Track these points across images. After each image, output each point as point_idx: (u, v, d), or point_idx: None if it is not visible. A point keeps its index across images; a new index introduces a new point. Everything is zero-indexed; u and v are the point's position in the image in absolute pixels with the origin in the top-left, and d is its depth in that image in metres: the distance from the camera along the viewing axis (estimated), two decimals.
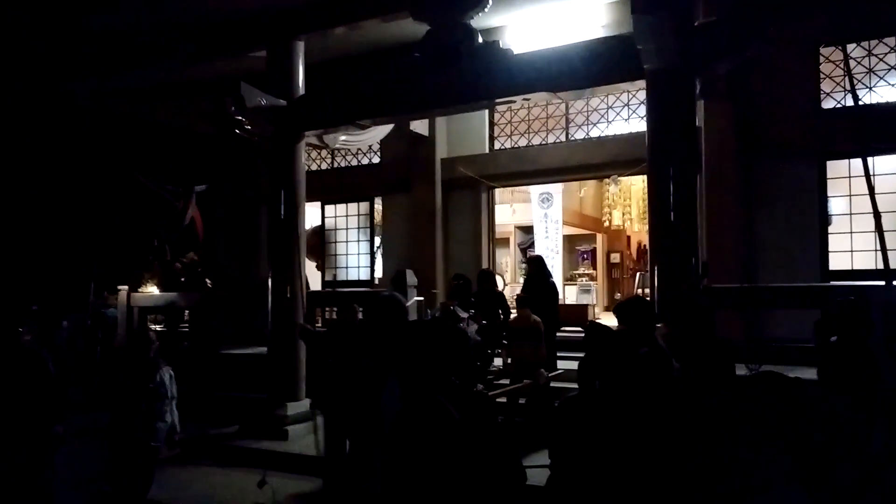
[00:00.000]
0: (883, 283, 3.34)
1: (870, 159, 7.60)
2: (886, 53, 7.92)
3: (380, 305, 4.23)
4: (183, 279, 11.53)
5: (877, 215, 3.39)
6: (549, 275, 8.31)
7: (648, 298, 6.35)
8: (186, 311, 11.43)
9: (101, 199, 11.51)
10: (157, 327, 12.00)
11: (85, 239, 11.17)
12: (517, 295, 7.84)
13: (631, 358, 2.92)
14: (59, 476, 5.26)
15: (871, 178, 3.45)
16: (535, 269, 8.27)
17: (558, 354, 7.89)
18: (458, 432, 2.43)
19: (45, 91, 10.74)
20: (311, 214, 11.21)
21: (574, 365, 7.76)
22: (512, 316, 7.84)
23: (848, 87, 7.93)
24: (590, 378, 2.86)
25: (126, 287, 10.53)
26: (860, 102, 7.96)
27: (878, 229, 3.36)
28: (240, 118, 7.47)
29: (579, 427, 2.75)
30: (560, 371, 7.52)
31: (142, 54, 9.41)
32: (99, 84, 10.76)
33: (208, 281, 11.76)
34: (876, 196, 7.52)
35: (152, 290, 11.55)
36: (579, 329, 10.57)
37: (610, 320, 8.38)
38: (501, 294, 8.62)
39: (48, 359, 5.10)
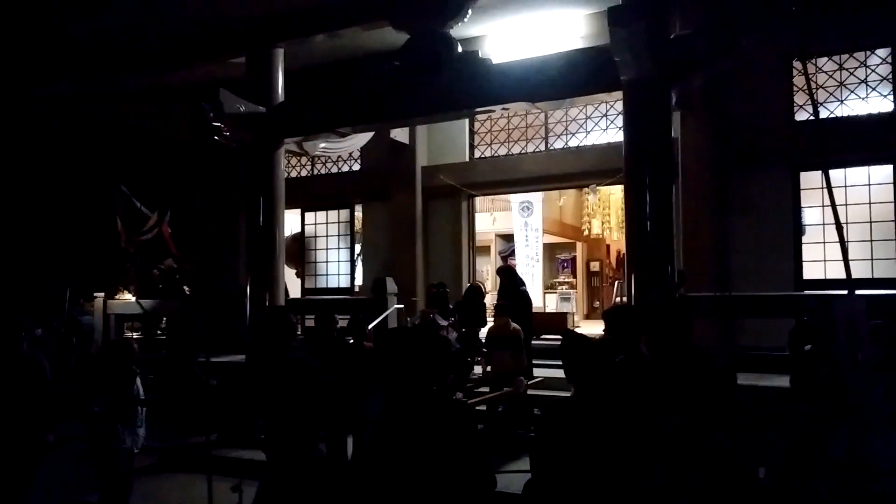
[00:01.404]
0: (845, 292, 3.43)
1: (842, 171, 7.81)
2: (857, 67, 8.10)
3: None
4: (160, 286, 11.42)
5: (838, 227, 3.47)
6: (520, 283, 8.36)
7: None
8: (164, 319, 11.31)
9: (77, 204, 11.37)
10: (135, 335, 11.87)
11: (60, 245, 11.03)
12: (496, 303, 7.86)
13: (606, 366, 2.95)
14: (37, 486, 5.17)
15: (832, 190, 3.53)
16: (507, 279, 8.32)
17: (535, 362, 7.91)
18: (438, 440, 2.45)
19: (20, 95, 10.61)
20: (291, 221, 11.17)
21: (554, 373, 7.83)
22: (490, 324, 7.85)
23: (818, 99, 8.10)
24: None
25: (102, 294, 10.41)
26: (831, 114, 8.13)
27: (840, 240, 3.44)
28: (218, 124, 7.46)
29: (557, 433, 2.77)
30: (539, 379, 7.55)
31: (121, 59, 9.34)
32: (75, 88, 10.66)
33: (186, 288, 11.66)
34: (849, 207, 7.71)
35: (129, 297, 11.43)
36: (558, 337, 10.61)
37: (589, 328, 8.46)
38: (485, 305, 8.66)
39: (46, 367, 5.04)
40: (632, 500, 2.60)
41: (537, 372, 7.81)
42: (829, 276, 8.03)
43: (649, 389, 3.60)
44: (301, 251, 12.08)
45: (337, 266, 11.87)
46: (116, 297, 11.11)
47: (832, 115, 8.16)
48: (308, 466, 3.68)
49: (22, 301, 9.21)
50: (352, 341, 5.96)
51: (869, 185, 7.93)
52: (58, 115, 11.24)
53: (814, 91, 5.82)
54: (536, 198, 12.85)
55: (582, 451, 2.57)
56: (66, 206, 11.61)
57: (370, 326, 7.69)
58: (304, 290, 12.07)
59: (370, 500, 2.48)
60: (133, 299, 10.84)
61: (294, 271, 12.11)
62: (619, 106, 8.55)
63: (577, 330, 6.74)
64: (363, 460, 2.56)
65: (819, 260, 8.16)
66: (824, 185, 3.83)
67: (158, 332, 11.49)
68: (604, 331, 4.19)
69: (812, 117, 8.17)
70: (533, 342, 8.29)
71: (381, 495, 2.50)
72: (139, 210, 10.88)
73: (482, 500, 2.51)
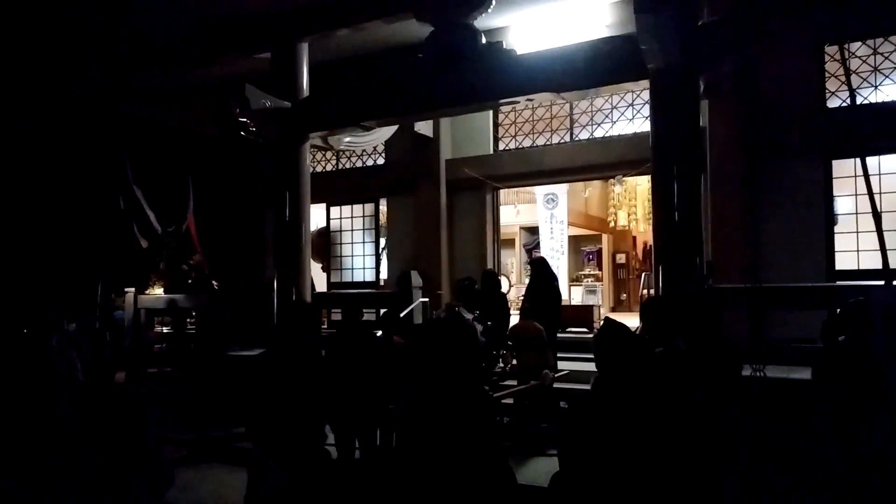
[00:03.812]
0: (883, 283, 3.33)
1: (875, 158, 7.62)
2: (892, 52, 7.89)
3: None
4: (190, 281, 11.57)
5: (876, 216, 3.38)
6: (552, 277, 8.29)
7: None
8: (193, 313, 11.46)
9: (106, 200, 11.54)
10: (165, 329, 12.05)
11: (91, 241, 11.22)
12: (522, 305, 7.80)
13: (644, 357, 2.91)
14: (71, 476, 5.26)
15: (870, 178, 3.44)
16: (539, 270, 8.26)
17: (561, 355, 7.88)
18: (468, 431, 2.45)
19: (51, 93, 10.80)
20: (317, 216, 11.24)
21: (579, 366, 7.80)
22: (514, 323, 7.79)
23: (851, 85, 7.92)
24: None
25: (133, 289, 10.58)
26: (865, 100, 7.94)
27: (878, 230, 3.35)
28: (244, 120, 7.51)
29: (586, 425, 2.75)
30: (565, 372, 7.51)
31: (147, 56, 9.46)
32: (104, 86, 10.83)
33: (215, 283, 11.80)
34: (882, 195, 7.52)
35: (159, 291, 11.60)
36: (584, 330, 10.56)
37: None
38: (503, 296, 8.61)
39: (53, 356, 5.10)
40: (660, 491, 2.57)
41: (563, 365, 7.78)
42: (862, 267, 7.86)
43: (685, 383, 3.55)
44: (327, 245, 12.16)
45: (362, 260, 11.92)
46: (147, 292, 11.30)
47: (866, 101, 7.97)
48: (317, 462, 3.68)
49: (51, 296, 9.37)
50: (380, 335, 5.99)
51: None
52: (87, 113, 11.41)
53: (846, 77, 5.65)
54: (561, 189, 12.78)
55: (611, 443, 2.55)
56: (95, 202, 11.80)
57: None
58: (329, 284, 12.16)
59: (399, 490, 2.49)
60: (163, 294, 11.01)
61: (320, 265, 12.20)
62: (646, 95, 8.44)
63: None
64: (391, 451, 2.57)
65: (851, 250, 7.99)
66: (860, 174, 3.73)
67: (188, 326, 11.65)
68: (640, 323, 4.11)
69: (844, 104, 8.03)
70: (559, 335, 8.25)
71: (409, 486, 2.50)
72: (144, 212, 10.96)
73: (505, 494, 2.51)
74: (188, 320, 11.68)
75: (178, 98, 11.57)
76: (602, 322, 2.98)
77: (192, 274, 11.62)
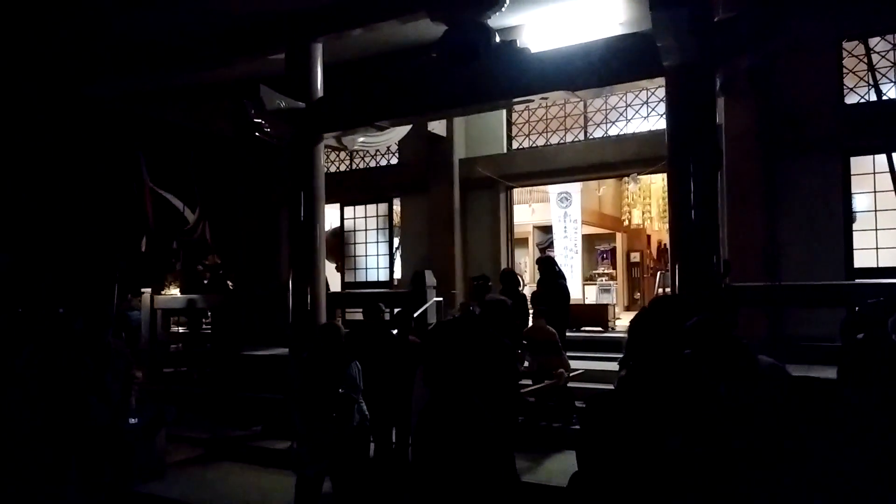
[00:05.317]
0: None
1: (894, 155, 7.53)
2: None
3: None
4: (205, 281, 11.65)
5: None
6: (559, 275, 8.26)
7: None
8: (209, 313, 11.54)
9: (122, 201, 11.65)
10: (181, 329, 12.14)
11: (108, 242, 11.33)
12: (533, 307, 7.78)
13: (675, 357, 2.87)
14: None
15: (895, 173, 3.39)
16: (545, 270, 8.24)
17: (576, 354, 7.86)
18: (487, 429, 2.45)
19: (68, 94, 10.91)
20: (331, 216, 11.28)
21: (594, 365, 7.76)
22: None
23: (871, 81, 7.84)
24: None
25: (149, 289, 10.67)
26: (885, 96, 7.85)
27: None
28: (259, 121, 7.53)
29: (606, 425, 2.73)
30: (580, 371, 7.49)
31: (162, 57, 9.52)
32: (120, 87, 10.91)
33: (230, 283, 11.87)
34: None
35: (175, 292, 11.69)
36: (599, 329, 10.52)
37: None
38: (522, 296, 8.59)
39: (88, 359, 5.15)
40: (683, 492, 2.55)
41: (578, 364, 7.76)
42: (881, 265, 7.78)
43: (714, 385, 3.51)
44: (340, 245, 12.19)
45: (376, 259, 11.95)
46: (163, 292, 11.39)
47: (885, 97, 7.87)
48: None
49: (59, 298, 9.46)
50: (396, 333, 5.99)
51: None
52: (103, 114, 11.52)
53: (870, 73, 5.59)
54: (575, 188, 12.73)
55: (639, 443, 2.53)
56: (113, 203, 11.91)
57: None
58: (343, 284, 12.19)
59: (418, 488, 2.49)
60: (179, 294, 11.09)
61: (334, 265, 12.24)
62: (660, 93, 8.40)
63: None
64: (410, 449, 2.58)
65: (871, 248, 7.90)
66: (879, 170, 3.67)
67: (203, 326, 11.73)
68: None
69: (862, 100, 7.94)
70: (573, 334, 8.23)
71: (428, 483, 2.51)
72: (172, 205, 11.04)
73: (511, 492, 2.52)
74: (204, 320, 11.77)
75: (193, 99, 11.64)
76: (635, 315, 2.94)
77: (208, 274, 11.70)
